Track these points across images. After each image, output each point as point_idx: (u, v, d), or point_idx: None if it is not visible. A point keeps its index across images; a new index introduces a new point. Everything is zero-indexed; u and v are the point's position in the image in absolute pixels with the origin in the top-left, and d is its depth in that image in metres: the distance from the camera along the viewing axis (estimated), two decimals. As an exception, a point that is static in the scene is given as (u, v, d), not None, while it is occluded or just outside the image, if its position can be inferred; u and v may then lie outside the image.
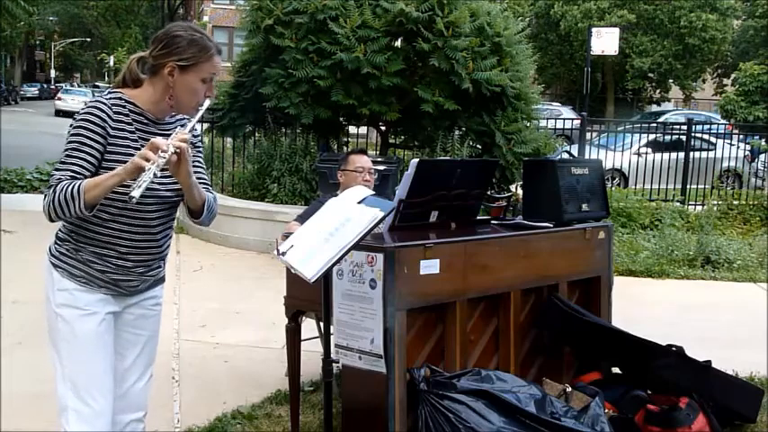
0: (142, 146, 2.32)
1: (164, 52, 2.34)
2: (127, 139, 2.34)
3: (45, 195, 2.26)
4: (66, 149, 2.28)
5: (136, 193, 2.13)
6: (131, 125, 2.36)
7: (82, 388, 2.36)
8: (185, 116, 2.53)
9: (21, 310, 5.19)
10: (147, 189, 2.19)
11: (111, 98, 2.36)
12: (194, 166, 2.40)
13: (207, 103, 2.42)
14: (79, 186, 2.20)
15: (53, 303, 2.39)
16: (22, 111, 35.96)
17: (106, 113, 2.31)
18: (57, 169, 2.27)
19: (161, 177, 2.32)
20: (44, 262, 2.45)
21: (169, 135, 2.40)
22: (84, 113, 2.31)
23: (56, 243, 2.44)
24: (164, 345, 4.70)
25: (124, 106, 2.36)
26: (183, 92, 2.36)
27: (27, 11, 13.85)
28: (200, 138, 2.60)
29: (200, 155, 2.55)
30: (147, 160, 2.15)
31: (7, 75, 48.99)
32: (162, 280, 2.59)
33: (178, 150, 2.21)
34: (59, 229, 2.44)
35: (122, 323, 2.49)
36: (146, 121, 2.39)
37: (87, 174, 2.26)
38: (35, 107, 39.19)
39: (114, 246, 2.37)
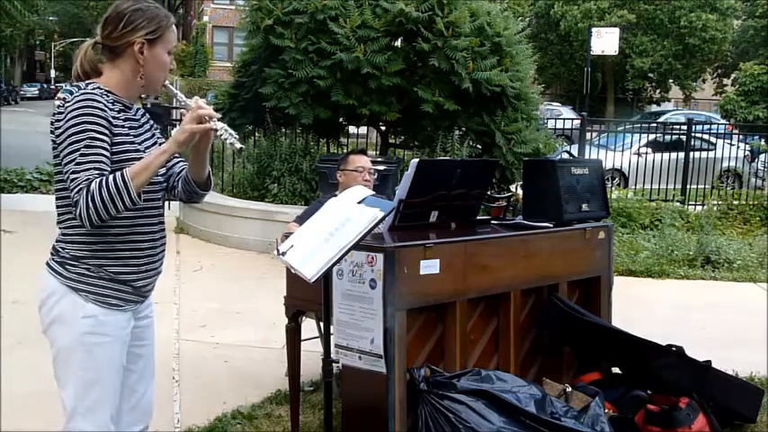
0: (133, 135, 2.27)
1: (127, 29, 2.22)
2: (122, 127, 2.24)
3: (76, 202, 2.08)
4: (78, 148, 2.11)
5: (239, 144, 2.20)
6: (120, 114, 2.25)
7: (97, 414, 2.28)
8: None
9: (21, 310, 5.18)
10: (156, 178, 2.25)
11: (95, 89, 2.21)
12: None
13: (177, 84, 2.39)
14: (123, 177, 2.08)
15: (76, 331, 2.23)
16: (22, 111, 35.93)
17: (103, 103, 2.17)
18: (76, 171, 2.10)
19: None
20: (53, 285, 2.25)
21: (138, 120, 2.36)
22: (83, 107, 2.14)
23: (67, 264, 2.24)
24: (164, 345, 4.72)
25: (108, 96, 2.23)
26: (154, 67, 2.27)
27: (23, 14, 13.84)
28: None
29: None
30: (203, 122, 2.17)
31: (7, 75, 48.98)
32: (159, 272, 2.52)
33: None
34: (65, 248, 2.25)
35: (131, 338, 2.40)
36: (124, 107, 2.29)
37: (108, 168, 2.13)
38: (35, 107, 39.15)
39: (138, 242, 2.28)
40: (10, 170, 10.82)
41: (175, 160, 2.43)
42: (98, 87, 2.24)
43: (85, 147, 2.12)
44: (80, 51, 2.32)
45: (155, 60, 2.27)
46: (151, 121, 2.45)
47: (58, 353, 2.29)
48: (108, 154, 2.15)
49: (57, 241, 2.30)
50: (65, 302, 2.24)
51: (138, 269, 2.30)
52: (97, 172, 2.10)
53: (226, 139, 2.21)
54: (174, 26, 2.33)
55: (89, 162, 2.11)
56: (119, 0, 2.31)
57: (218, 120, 2.21)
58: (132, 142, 2.26)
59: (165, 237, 2.44)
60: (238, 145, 2.20)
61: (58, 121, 2.18)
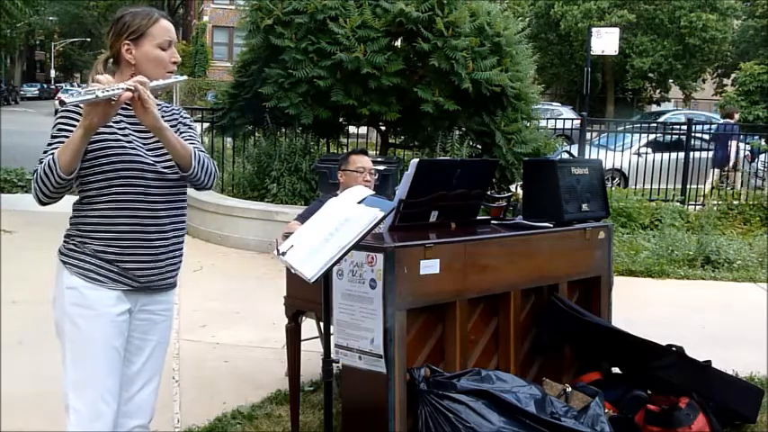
0: (129, 132, 2.37)
1: (114, 37, 2.40)
2: (108, 125, 2.31)
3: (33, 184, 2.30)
4: (49, 139, 2.33)
5: (65, 97, 2.15)
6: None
7: (83, 389, 2.35)
8: (180, 111, 2.56)
9: (21, 310, 5.19)
10: (142, 162, 2.31)
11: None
12: (186, 140, 2.44)
13: (181, 77, 2.47)
14: (53, 156, 2.24)
15: (62, 303, 2.38)
16: (22, 111, 35.94)
17: None
18: (42, 158, 2.30)
19: (154, 151, 2.36)
20: (57, 265, 2.44)
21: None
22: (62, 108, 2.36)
23: (64, 241, 2.44)
24: (164, 345, 4.73)
25: None
26: (146, 63, 2.39)
27: (24, 13, 13.85)
28: (190, 118, 2.62)
29: (192, 131, 2.57)
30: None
31: (7, 75, 48.99)
32: (173, 285, 2.56)
33: (132, 87, 2.21)
34: (67, 230, 2.44)
35: (133, 328, 2.46)
36: (131, 109, 2.33)
37: None
38: (35, 107, 39.16)
39: (120, 225, 2.35)
40: (10, 170, 10.82)
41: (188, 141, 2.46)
42: None
43: (52, 137, 2.32)
44: (95, 65, 2.48)
45: (145, 57, 2.40)
46: (177, 120, 2.51)
47: (56, 327, 2.43)
48: None
49: None
50: (57, 279, 2.42)
51: (122, 251, 2.37)
52: (51, 157, 2.27)
53: (80, 91, 2.17)
54: (160, 21, 2.42)
55: (48, 151, 2.29)
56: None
57: (104, 91, 2.16)
58: (113, 132, 2.33)
59: (170, 229, 2.44)
60: (63, 97, 2.14)
61: None
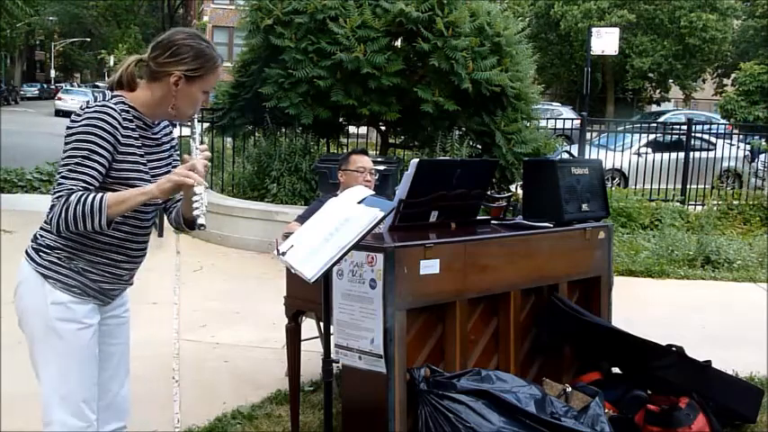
0: (145, 153, 2.33)
1: (170, 60, 2.28)
2: (132, 146, 2.29)
3: (53, 205, 2.15)
4: (75, 156, 2.17)
5: (203, 221, 2.18)
6: (135, 131, 2.31)
7: (73, 401, 2.33)
8: (166, 121, 2.53)
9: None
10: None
11: (117, 103, 2.27)
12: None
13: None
14: (101, 200, 2.13)
15: (46, 317, 2.31)
16: (21, 111, 35.93)
17: (117, 121, 2.23)
18: (65, 177, 2.16)
19: (155, 179, 2.33)
20: (25, 272, 2.34)
21: (158, 140, 2.42)
22: (94, 119, 2.19)
23: (41, 251, 2.32)
24: (164, 345, 4.74)
25: (128, 111, 2.29)
26: (184, 101, 2.33)
27: (26, 12, 13.86)
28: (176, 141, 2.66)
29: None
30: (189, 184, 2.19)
31: (7, 75, 48.99)
32: (130, 284, 2.56)
33: (206, 167, 2.27)
34: (42, 236, 2.33)
35: (101, 335, 2.44)
36: (144, 126, 2.35)
37: (96, 184, 2.18)
38: (35, 107, 39.17)
39: (111, 253, 2.35)
40: (10, 170, 10.82)
41: None
42: (121, 102, 2.29)
43: (82, 158, 2.17)
44: (124, 63, 2.38)
45: (188, 96, 2.33)
46: (173, 142, 2.50)
47: (33, 343, 2.37)
48: (102, 170, 2.20)
49: (39, 228, 2.36)
50: (35, 291, 2.32)
51: (104, 275, 2.37)
52: (83, 185, 2.16)
53: (196, 208, 2.23)
54: (218, 69, 2.37)
55: (79, 173, 2.16)
56: (179, 29, 2.41)
57: (203, 188, 2.24)
58: (137, 162, 2.29)
59: (144, 254, 2.49)
60: (201, 220, 2.20)
61: (73, 122, 2.23)
